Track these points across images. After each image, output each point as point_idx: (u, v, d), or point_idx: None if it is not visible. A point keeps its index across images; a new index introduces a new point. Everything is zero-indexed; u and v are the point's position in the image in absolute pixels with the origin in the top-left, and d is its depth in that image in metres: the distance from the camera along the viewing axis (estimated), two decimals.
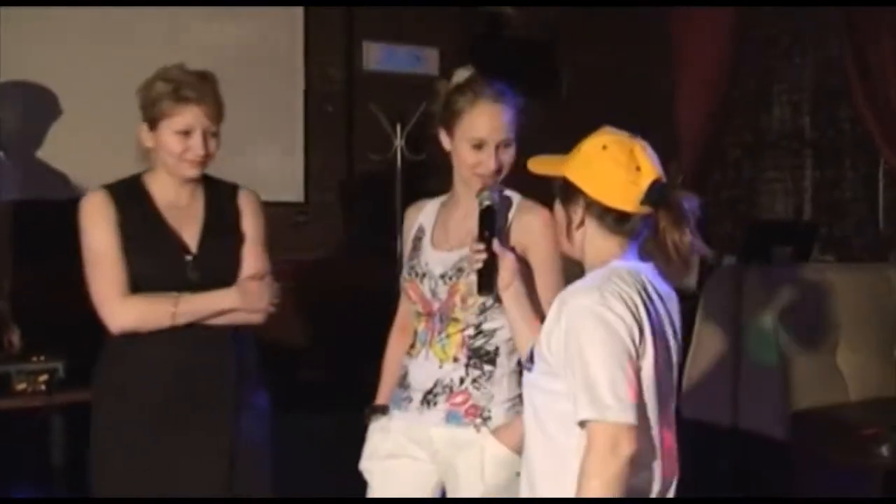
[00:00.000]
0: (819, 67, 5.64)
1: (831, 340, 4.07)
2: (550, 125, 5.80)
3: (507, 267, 2.25)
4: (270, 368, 4.36)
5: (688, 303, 4.37)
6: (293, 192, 5.25)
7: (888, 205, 5.45)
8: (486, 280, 2.24)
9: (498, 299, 2.31)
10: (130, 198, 2.57)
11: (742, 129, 6.11)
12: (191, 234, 2.59)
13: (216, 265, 2.58)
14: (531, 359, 2.01)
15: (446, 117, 2.42)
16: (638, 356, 1.87)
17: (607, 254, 1.99)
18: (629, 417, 1.80)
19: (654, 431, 1.91)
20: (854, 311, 4.12)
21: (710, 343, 4.06)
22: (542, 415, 1.97)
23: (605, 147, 1.96)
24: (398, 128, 5.16)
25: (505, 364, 2.41)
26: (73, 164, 4.32)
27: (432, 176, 5.52)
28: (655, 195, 1.92)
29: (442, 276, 2.42)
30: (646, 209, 1.94)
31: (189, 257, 2.56)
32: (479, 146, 2.36)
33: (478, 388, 2.40)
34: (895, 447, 3.48)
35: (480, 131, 2.36)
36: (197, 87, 2.53)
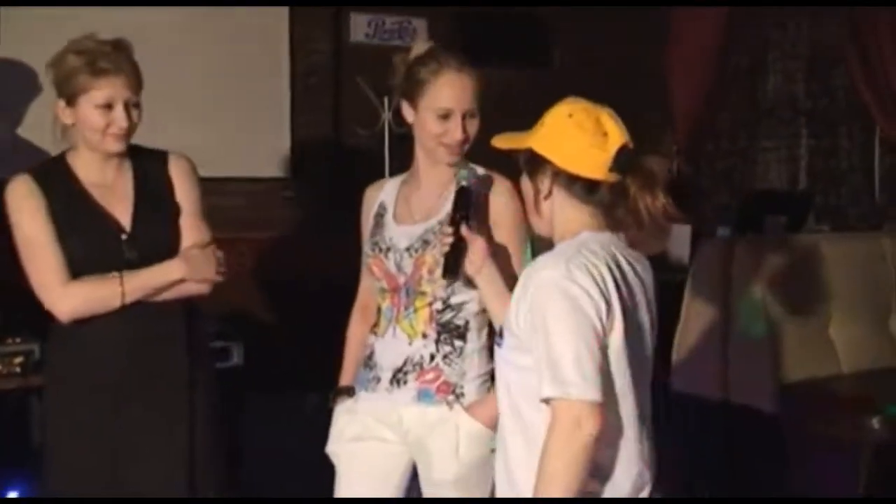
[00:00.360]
0: (813, 36, 5.55)
1: (823, 311, 4.01)
2: (542, 98, 5.72)
3: (476, 251, 2.20)
4: (253, 348, 4.38)
5: (680, 275, 4.34)
6: (280, 167, 5.18)
7: (884, 174, 5.38)
8: (452, 264, 2.19)
9: (468, 281, 2.26)
10: (56, 180, 2.49)
11: (736, 99, 6.02)
12: (123, 212, 2.52)
13: (153, 242, 2.51)
14: (501, 334, 1.96)
15: (409, 89, 2.39)
16: (605, 331, 1.81)
17: (577, 224, 1.95)
18: (593, 394, 1.75)
19: (623, 408, 1.86)
20: (847, 281, 4.05)
21: (699, 316, 4.00)
22: (513, 391, 1.93)
23: (570, 115, 1.92)
24: (385, 101, 5.08)
25: (475, 339, 2.36)
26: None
27: None
28: (624, 160, 1.89)
29: (407, 249, 2.38)
30: (615, 176, 1.90)
31: (124, 236, 2.50)
32: (445, 116, 2.34)
33: (449, 365, 2.35)
34: (886, 420, 3.42)
35: (447, 101, 2.33)
36: (113, 57, 2.44)
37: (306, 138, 5.23)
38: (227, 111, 4.88)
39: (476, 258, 2.20)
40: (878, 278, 4.17)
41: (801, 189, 5.80)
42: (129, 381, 2.47)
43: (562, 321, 1.79)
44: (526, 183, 2.02)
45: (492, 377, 2.34)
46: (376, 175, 5.15)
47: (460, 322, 2.36)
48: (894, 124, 4.84)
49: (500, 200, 2.37)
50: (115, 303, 2.43)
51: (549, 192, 1.95)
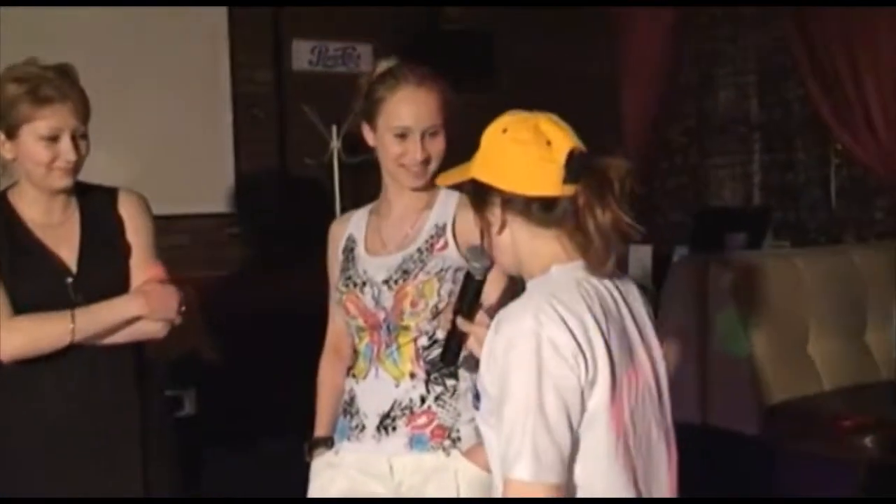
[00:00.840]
0: (763, 48, 5.50)
1: (801, 328, 3.90)
2: (490, 120, 5.61)
3: (480, 339, 1.84)
4: (201, 392, 4.14)
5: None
6: (223, 202, 4.96)
7: (841, 185, 5.33)
8: (448, 354, 1.90)
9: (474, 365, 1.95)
10: None
11: (687, 115, 5.96)
12: (69, 253, 2.30)
13: (101, 285, 2.28)
14: (476, 395, 1.70)
15: (367, 109, 2.22)
16: (583, 394, 1.55)
17: (544, 257, 1.67)
18: (547, 476, 1.51)
19: (608, 479, 1.61)
20: (822, 296, 3.95)
21: (674, 340, 3.86)
22: (494, 455, 1.67)
23: (504, 130, 1.66)
24: (334, 129, 4.90)
25: (467, 376, 2.17)
26: None
27: (373, 178, 5.29)
28: (577, 166, 1.61)
29: (386, 282, 2.18)
30: (571, 188, 1.62)
31: (70, 279, 2.27)
32: (402, 135, 2.16)
33: (442, 406, 2.15)
34: (879, 438, 3.30)
35: (403, 119, 2.15)
36: (57, 83, 2.22)
37: (251, 171, 5.03)
38: (167, 144, 4.66)
39: (477, 348, 1.86)
40: (852, 292, 4.07)
41: (756, 205, 5.73)
42: (68, 440, 2.26)
43: (522, 386, 1.52)
44: (477, 220, 1.73)
45: None
46: (326, 207, 5.06)
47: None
48: (852, 135, 4.78)
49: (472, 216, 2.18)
50: (64, 340, 2.20)
51: (503, 224, 1.67)
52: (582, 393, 1.55)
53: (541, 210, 1.65)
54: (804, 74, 5.00)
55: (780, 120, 5.56)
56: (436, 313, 2.14)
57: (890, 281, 4.12)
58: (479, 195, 1.70)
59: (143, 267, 2.36)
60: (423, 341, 2.16)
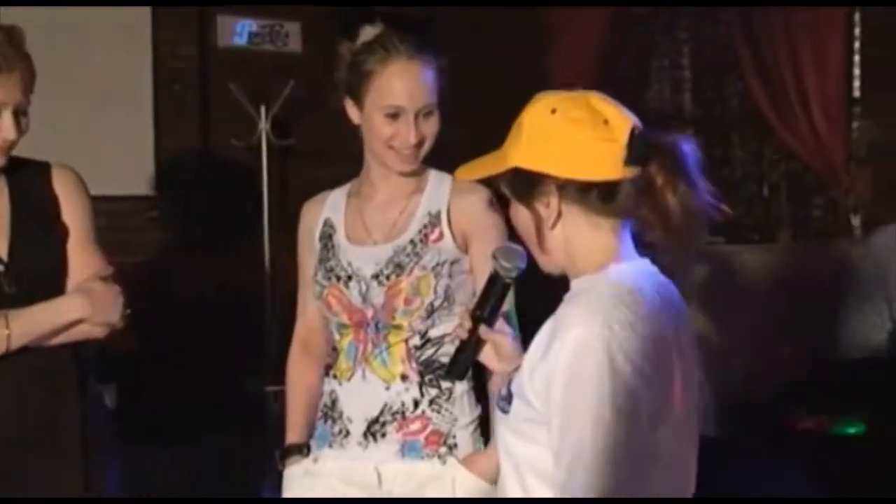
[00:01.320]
0: (702, 43, 5.43)
1: (749, 325, 3.84)
2: None
3: (501, 350, 1.68)
4: (128, 390, 3.86)
5: None
6: (142, 184, 4.65)
7: (777, 182, 5.30)
8: (459, 366, 1.69)
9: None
10: None
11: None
12: None
13: (37, 273, 2.04)
14: (508, 398, 1.52)
15: (353, 83, 1.98)
16: (658, 417, 1.39)
17: (601, 249, 1.49)
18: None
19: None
20: (769, 292, 3.90)
21: None
22: (523, 469, 1.50)
23: (553, 110, 1.48)
24: (262, 110, 4.65)
25: (464, 379, 1.98)
26: None
27: (303, 163, 5.07)
28: (640, 146, 1.45)
29: (376, 277, 1.96)
30: (633, 170, 1.46)
31: (1, 267, 2.01)
32: (394, 115, 1.94)
33: (437, 411, 1.96)
34: (836, 438, 3.25)
35: (396, 97, 1.94)
36: (3, 49, 1.95)
37: (172, 151, 4.72)
38: (81, 121, 4.33)
39: (490, 361, 1.69)
40: (799, 287, 4.03)
41: None
42: (15, 440, 2.02)
43: (592, 409, 1.34)
44: (521, 214, 1.54)
45: (482, 422, 1.99)
46: (252, 192, 4.80)
47: (443, 359, 1.96)
48: (791, 132, 4.74)
49: (478, 209, 1.99)
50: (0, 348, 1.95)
51: (559, 215, 1.49)
52: (656, 415, 1.38)
53: (601, 197, 1.47)
54: (745, 70, 4.94)
55: (717, 115, 5.50)
56: (431, 312, 1.94)
57: (842, 280, 4.09)
58: (525, 185, 1.50)
59: (81, 254, 2.10)
60: (416, 341, 1.97)
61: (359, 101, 1.98)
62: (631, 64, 5.65)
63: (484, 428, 1.99)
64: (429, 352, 1.96)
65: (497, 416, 1.58)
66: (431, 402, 1.95)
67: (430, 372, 1.95)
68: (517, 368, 1.56)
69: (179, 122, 4.74)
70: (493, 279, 1.65)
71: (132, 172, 4.60)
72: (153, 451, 3.78)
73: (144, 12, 4.61)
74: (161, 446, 3.77)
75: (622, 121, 1.47)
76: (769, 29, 4.78)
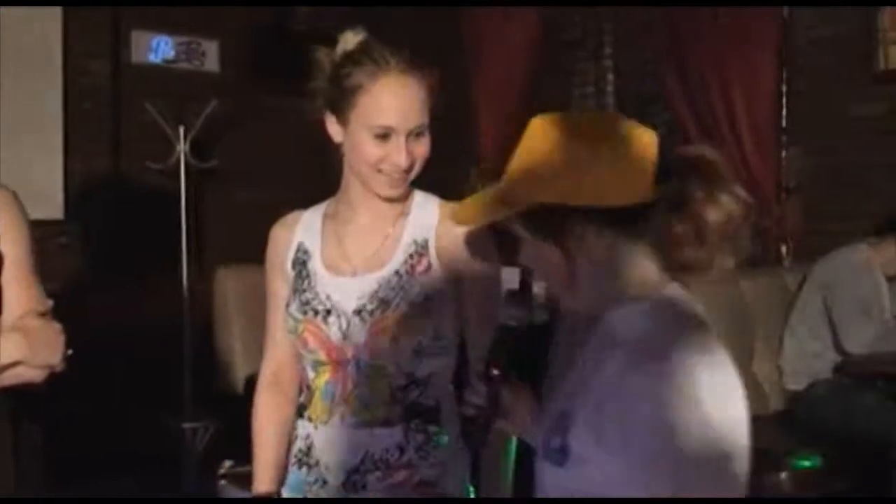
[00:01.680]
0: (628, 70, 5.39)
1: None
2: None
3: (524, 408, 1.57)
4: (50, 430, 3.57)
5: (539, 316, 3.95)
6: (51, 208, 4.35)
7: None
8: (480, 434, 1.53)
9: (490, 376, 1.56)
10: None
11: None
12: None
13: None
14: (563, 448, 1.35)
15: (335, 97, 1.77)
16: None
17: (643, 277, 1.37)
18: None
19: None
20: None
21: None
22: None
23: (571, 136, 1.35)
24: (181, 130, 4.40)
25: (453, 422, 1.82)
26: None
27: (224, 186, 4.83)
28: (670, 162, 1.35)
29: (358, 312, 1.78)
30: (664, 188, 1.35)
31: None
32: (384, 136, 1.74)
33: (425, 458, 1.78)
34: (796, 474, 3.18)
35: (387, 116, 1.73)
36: None
37: (83, 174, 4.45)
38: None
39: (524, 416, 1.57)
40: (740, 321, 3.97)
41: None
42: None
43: (700, 448, 1.24)
44: (542, 252, 1.38)
45: (469, 470, 1.83)
46: (170, 217, 4.54)
47: (429, 401, 1.80)
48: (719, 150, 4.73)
49: (468, 238, 1.83)
50: None
51: (592, 247, 1.36)
52: None
53: (635, 221, 1.35)
54: (674, 99, 4.92)
55: None
56: (418, 350, 1.76)
57: (777, 309, 4.05)
58: (551, 221, 1.35)
59: (17, 285, 1.89)
60: (400, 381, 1.78)
61: (342, 118, 1.79)
62: (555, 89, 5.58)
63: (474, 474, 1.83)
64: (414, 393, 1.79)
65: (545, 476, 1.41)
66: (418, 449, 1.78)
67: (416, 415, 1.77)
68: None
69: (90, 142, 4.46)
70: (505, 329, 1.50)
71: (39, 195, 4.28)
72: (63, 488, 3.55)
73: (55, 25, 4.33)
74: (78, 485, 3.52)
75: (646, 136, 1.36)
76: (698, 57, 4.77)
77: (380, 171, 1.77)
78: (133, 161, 4.53)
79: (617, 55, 5.38)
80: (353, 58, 1.77)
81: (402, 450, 1.77)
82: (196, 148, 4.45)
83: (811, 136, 4.55)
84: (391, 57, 1.76)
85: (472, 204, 1.45)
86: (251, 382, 4.44)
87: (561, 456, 1.35)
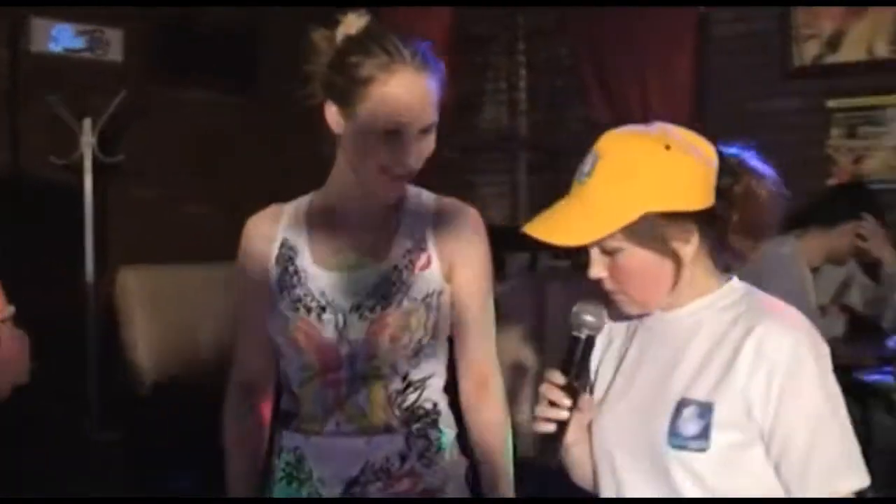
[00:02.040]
0: (541, 65, 5.38)
1: None
2: (248, 123, 5.08)
3: (588, 414, 1.51)
4: None
5: None
6: None
7: None
8: (553, 445, 1.46)
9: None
10: None
11: (458, 131, 5.73)
12: None
13: None
14: (704, 433, 1.42)
15: (340, 86, 1.64)
16: None
17: (713, 270, 1.55)
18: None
19: None
20: None
21: (513, 363, 3.58)
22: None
23: (668, 147, 1.45)
24: (86, 124, 4.18)
25: (451, 425, 1.75)
26: None
27: (131, 182, 4.60)
28: (733, 162, 1.52)
29: (357, 309, 1.68)
30: (724, 186, 1.52)
31: None
32: (394, 132, 1.62)
33: (428, 466, 1.70)
34: None
35: (402, 114, 1.61)
36: None
37: None
38: None
39: (578, 429, 1.51)
40: None
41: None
42: None
43: (839, 400, 1.47)
44: (636, 259, 1.45)
45: (471, 473, 1.77)
46: (73, 215, 4.29)
47: (427, 405, 1.72)
48: None
49: (465, 233, 1.75)
50: None
51: (697, 249, 1.49)
52: None
53: (711, 222, 1.49)
54: (590, 94, 4.93)
55: (554, 140, 5.45)
56: (418, 350, 1.68)
57: None
58: (658, 228, 1.45)
59: None
60: (397, 384, 1.69)
61: (346, 109, 1.65)
62: (468, 83, 5.54)
63: (475, 480, 1.76)
64: (412, 397, 1.70)
65: (678, 464, 1.42)
66: (421, 455, 1.70)
67: (416, 420, 1.70)
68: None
69: None
70: (577, 339, 1.48)
71: None
72: None
73: None
74: None
75: (703, 142, 1.50)
76: (614, 52, 4.79)
77: (384, 170, 1.65)
78: (31, 155, 4.28)
79: (530, 50, 5.37)
80: (362, 45, 1.64)
81: (403, 458, 1.69)
82: (101, 142, 4.24)
83: (726, 131, 4.58)
84: (405, 49, 1.63)
85: (562, 220, 1.46)
86: (157, 385, 4.28)
87: (700, 439, 1.42)
